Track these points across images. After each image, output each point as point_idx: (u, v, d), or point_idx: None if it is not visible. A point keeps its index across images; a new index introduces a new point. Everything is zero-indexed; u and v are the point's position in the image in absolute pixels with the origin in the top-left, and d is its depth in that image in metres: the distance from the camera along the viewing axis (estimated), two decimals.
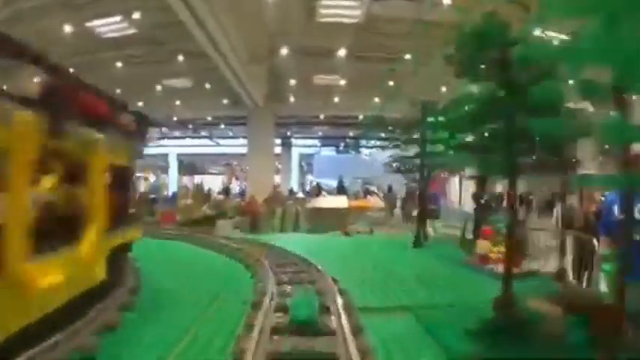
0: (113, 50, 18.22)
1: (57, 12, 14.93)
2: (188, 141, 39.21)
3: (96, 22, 15.87)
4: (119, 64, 19.74)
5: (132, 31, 16.48)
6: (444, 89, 18.68)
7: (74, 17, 15.31)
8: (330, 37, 17.34)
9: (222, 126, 32.37)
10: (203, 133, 36.43)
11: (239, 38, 16.45)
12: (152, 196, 24.72)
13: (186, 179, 39.35)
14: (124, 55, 19.06)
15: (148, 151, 39.35)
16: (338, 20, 16.35)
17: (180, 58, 19.00)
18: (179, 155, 42.04)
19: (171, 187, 36.31)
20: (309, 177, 38.33)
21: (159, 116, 27.52)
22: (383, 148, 30.65)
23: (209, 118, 29.82)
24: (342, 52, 18.36)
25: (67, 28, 15.71)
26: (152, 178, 39.09)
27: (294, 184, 34.58)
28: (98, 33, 16.55)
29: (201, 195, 22.27)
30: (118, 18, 15.57)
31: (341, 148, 39.52)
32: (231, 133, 34.26)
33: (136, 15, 15.02)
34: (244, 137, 28.86)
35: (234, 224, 15.60)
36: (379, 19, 16.25)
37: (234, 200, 21.74)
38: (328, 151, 40.34)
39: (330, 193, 22.06)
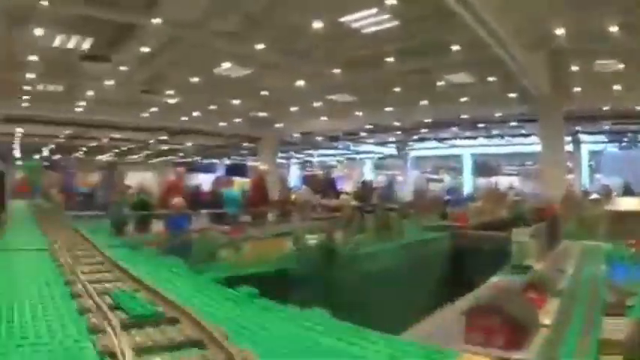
0: (377, 45, 17.39)
1: (309, 7, 14.82)
2: (481, 141, 37.15)
3: (348, 18, 15.03)
4: (390, 60, 19.02)
5: (392, 23, 15.22)
6: None
7: (325, 12, 15.00)
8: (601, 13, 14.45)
9: (514, 123, 30.17)
10: (494, 132, 34.50)
11: (512, 22, 14.66)
12: (446, 197, 24.45)
13: (481, 180, 37.79)
14: (391, 51, 18.22)
15: (441, 152, 39.99)
16: None
17: (455, 50, 17.56)
18: (473, 155, 40.45)
19: (466, 189, 36.00)
20: (597, 176, 34.06)
21: (446, 116, 28.01)
22: None
23: (497, 115, 27.87)
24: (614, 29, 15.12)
25: (317, 24, 15.48)
26: (447, 180, 39.14)
27: (585, 184, 31.21)
28: (355, 28, 15.65)
29: (496, 196, 20.97)
30: (373, 10, 14.49)
31: (623, 144, 35.27)
32: (523, 131, 31.37)
33: (391, 1, 13.68)
34: (535, 135, 26.91)
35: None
36: None
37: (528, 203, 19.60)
38: (611, 148, 35.98)
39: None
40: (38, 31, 15.48)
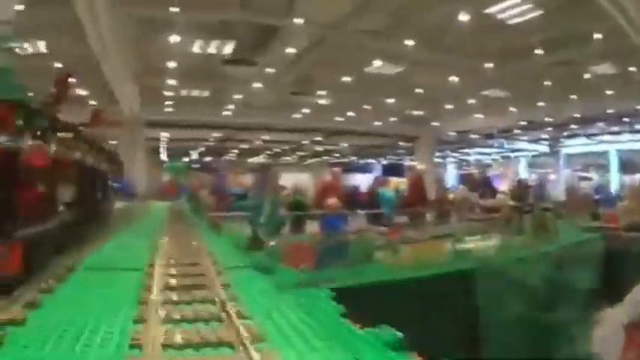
0: (523, 37, 16.89)
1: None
2: (626, 136, 34.41)
3: (493, 9, 14.77)
4: (537, 52, 18.32)
5: (535, 13, 14.91)
6: None
7: (470, 3, 14.77)
8: None
9: None
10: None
11: None
12: (596, 196, 22.23)
13: (626, 177, 34.66)
14: (536, 42, 17.56)
15: (588, 148, 37.11)
16: None
17: (597, 39, 16.68)
18: (618, 152, 37.86)
19: (613, 187, 31.69)
20: None
21: (593, 111, 26.38)
22: None
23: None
24: None
25: (463, 17, 15.24)
26: (595, 178, 36.37)
27: None
28: (501, 19, 15.32)
29: None
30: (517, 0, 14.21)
31: None
32: None
33: None
34: None
35: None
36: None
37: None
38: None
39: None
40: (174, 38, 15.76)
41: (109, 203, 7.36)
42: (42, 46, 16.32)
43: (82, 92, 21.25)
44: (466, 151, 46.11)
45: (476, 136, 35.62)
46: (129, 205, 10.73)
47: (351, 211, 14.72)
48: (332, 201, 12.64)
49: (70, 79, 6.54)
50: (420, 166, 23.41)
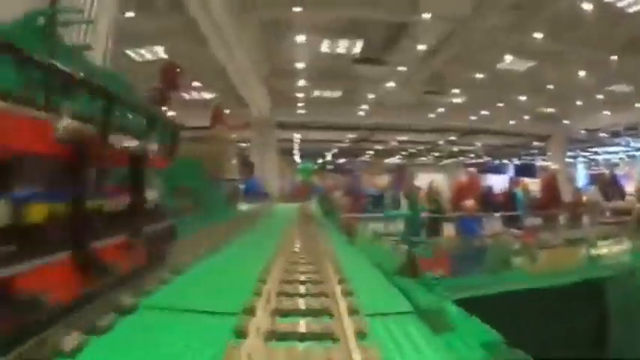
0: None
1: None
2: None
3: None
4: None
5: None
6: None
7: None
8: None
9: None
10: None
11: None
12: None
13: None
14: None
15: None
16: None
17: None
18: None
19: None
20: None
21: None
22: None
23: None
24: None
25: (587, 6, 14.59)
26: None
27: None
28: (620, 7, 14.67)
29: None
30: None
31: None
32: None
33: None
34: None
35: None
36: None
37: None
38: None
39: None
40: (300, 38, 15.74)
41: (229, 204, 7.86)
42: (160, 51, 16.83)
43: (207, 95, 21.84)
44: (595, 150, 43.42)
45: (604, 134, 33.56)
46: (257, 206, 10.91)
47: (487, 213, 14.11)
48: (469, 203, 12.25)
49: (177, 70, 6.62)
50: (553, 166, 22.20)
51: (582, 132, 32.45)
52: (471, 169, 16.93)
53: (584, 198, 18.71)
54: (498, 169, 45.05)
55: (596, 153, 44.33)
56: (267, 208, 10.85)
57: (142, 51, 16.90)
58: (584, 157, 46.39)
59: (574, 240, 10.98)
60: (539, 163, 42.98)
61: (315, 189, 19.99)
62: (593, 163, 47.75)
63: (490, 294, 6.78)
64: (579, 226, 15.45)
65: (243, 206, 10.18)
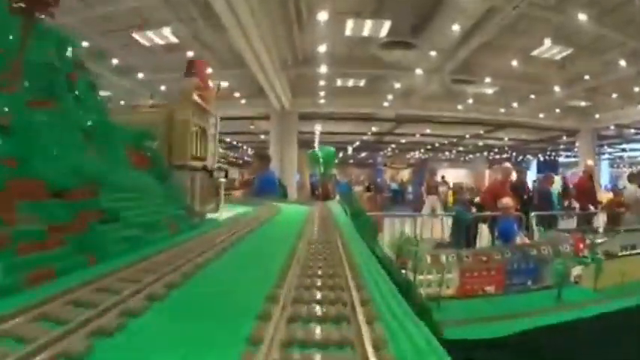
0: None
1: None
2: None
3: None
4: None
5: None
6: None
7: None
8: None
9: None
10: None
11: None
12: None
13: None
14: None
15: None
16: None
17: None
18: None
19: None
20: None
21: None
22: None
23: None
24: None
25: None
26: None
27: None
28: None
29: None
30: None
31: None
32: None
33: None
34: None
35: None
36: None
37: None
38: None
39: None
40: (323, 16, 14.13)
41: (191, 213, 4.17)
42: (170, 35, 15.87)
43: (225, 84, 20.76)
44: (623, 147, 41.75)
45: (634, 129, 31.89)
46: (253, 210, 6.24)
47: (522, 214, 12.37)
48: (506, 201, 10.52)
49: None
50: (589, 161, 20.42)
51: (612, 127, 30.54)
52: (507, 165, 15.23)
53: (622, 197, 17.02)
54: (519, 165, 43.92)
55: (623, 150, 42.55)
56: (267, 214, 5.84)
57: (151, 34, 15.60)
58: (610, 154, 44.57)
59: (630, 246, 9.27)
60: (562, 159, 41.80)
61: (337, 185, 17.02)
62: (619, 161, 46.47)
63: (556, 323, 5.11)
64: (618, 227, 13.73)
65: (226, 212, 5.88)
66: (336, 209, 6.50)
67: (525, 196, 13.46)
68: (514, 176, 13.75)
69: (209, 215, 5.29)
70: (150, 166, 4.00)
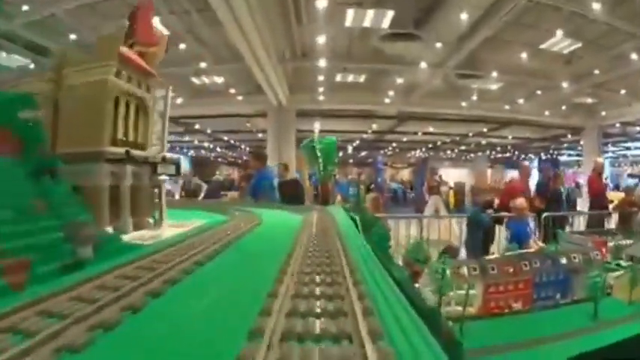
0: None
1: None
2: None
3: None
4: None
5: None
6: None
7: None
8: None
9: None
10: None
11: None
12: None
13: None
14: None
15: None
16: None
17: None
18: None
19: None
20: None
21: None
22: None
23: None
24: None
25: None
26: None
27: None
28: None
29: None
30: None
31: None
32: None
33: None
34: None
35: None
36: None
37: None
38: None
39: None
40: (322, 3, 13.36)
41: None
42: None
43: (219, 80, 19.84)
44: (628, 145, 40.75)
45: (638, 127, 31.10)
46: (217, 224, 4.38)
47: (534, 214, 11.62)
48: (520, 201, 9.71)
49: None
50: (599, 159, 19.65)
51: (617, 125, 29.84)
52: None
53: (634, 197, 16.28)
54: (519, 165, 43.62)
55: (627, 148, 42.04)
56: (234, 231, 3.79)
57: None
58: (613, 152, 44.01)
59: None
60: (564, 158, 41.33)
61: (336, 185, 13.68)
62: (620, 160, 45.90)
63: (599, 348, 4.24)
64: (630, 228, 12.97)
65: (172, 229, 4.16)
66: (341, 219, 4.93)
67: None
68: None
69: (141, 234, 3.66)
70: (19, 153, 2.39)
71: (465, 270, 4.75)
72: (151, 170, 4.06)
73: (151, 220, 4.13)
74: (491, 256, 7.53)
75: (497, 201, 12.66)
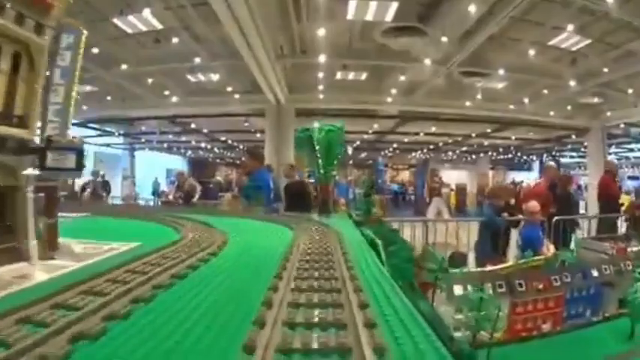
0: None
1: None
2: None
3: None
4: None
5: None
6: None
7: None
8: None
9: None
10: None
11: None
12: None
13: None
14: None
15: None
16: None
17: None
18: None
19: None
20: None
21: None
22: None
23: None
24: None
25: None
26: None
27: None
28: None
29: None
30: None
31: None
32: None
33: None
34: None
35: None
36: None
37: None
38: None
39: None
40: None
41: None
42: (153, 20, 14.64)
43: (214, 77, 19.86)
44: (631, 146, 40.24)
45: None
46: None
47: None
48: (533, 205, 9.13)
49: None
50: (612, 158, 19.15)
51: (621, 125, 29.14)
52: (551, 163, 13.83)
53: None
54: (521, 166, 43.61)
55: (630, 150, 41.64)
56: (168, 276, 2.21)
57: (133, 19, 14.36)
58: (616, 154, 43.85)
59: None
60: (565, 159, 40.94)
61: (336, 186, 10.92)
62: (623, 162, 44.91)
63: None
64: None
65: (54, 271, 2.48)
66: (352, 240, 3.72)
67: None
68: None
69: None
70: None
71: (489, 287, 4.10)
72: (34, 162, 2.58)
73: (33, 245, 2.58)
74: (505, 264, 6.88)
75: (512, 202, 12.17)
